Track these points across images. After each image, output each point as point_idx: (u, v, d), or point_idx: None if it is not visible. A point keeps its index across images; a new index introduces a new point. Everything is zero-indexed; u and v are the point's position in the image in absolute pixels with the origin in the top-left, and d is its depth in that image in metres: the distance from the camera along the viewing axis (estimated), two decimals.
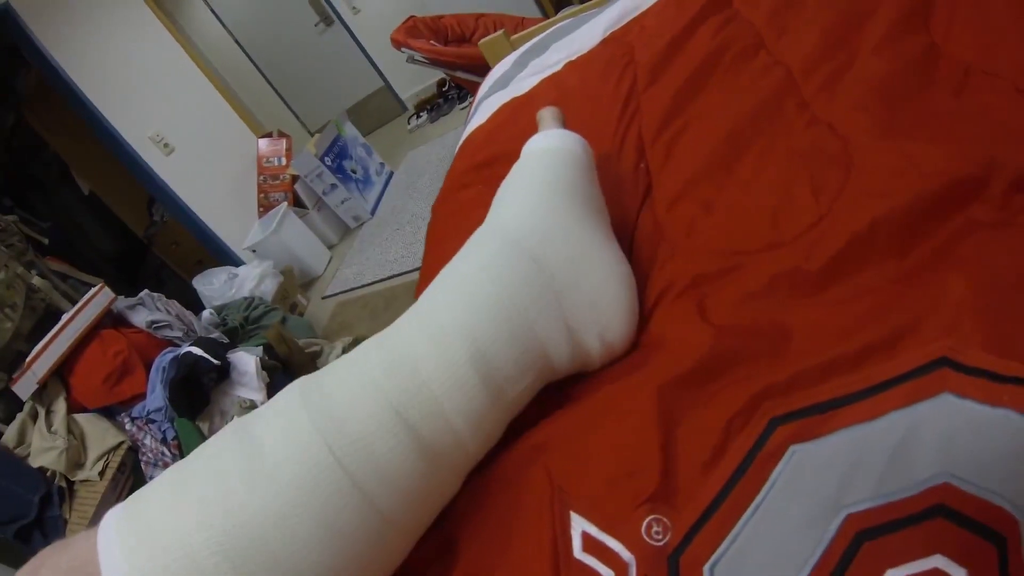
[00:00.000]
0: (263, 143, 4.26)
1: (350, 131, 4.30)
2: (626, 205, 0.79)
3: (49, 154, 4.24)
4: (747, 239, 0.61)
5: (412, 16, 3.00)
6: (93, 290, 2.09)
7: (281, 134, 4.36)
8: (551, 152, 0.67)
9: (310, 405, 0.44)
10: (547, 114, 0.76)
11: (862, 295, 0.48)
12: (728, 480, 0.41)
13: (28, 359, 1.87)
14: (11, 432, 1.85)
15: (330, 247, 4.10)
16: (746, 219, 0.63)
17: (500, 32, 1.59)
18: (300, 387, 0.47)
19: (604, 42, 1.19)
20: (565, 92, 1.10)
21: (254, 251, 3.72)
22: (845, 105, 0.67)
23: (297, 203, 4.15)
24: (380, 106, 5.68)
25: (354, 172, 4.18)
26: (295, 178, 4.10)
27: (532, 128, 1.01)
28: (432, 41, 2.86)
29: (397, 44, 2.76)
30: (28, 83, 3.97)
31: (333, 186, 4.03)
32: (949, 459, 0.35)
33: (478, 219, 1.02)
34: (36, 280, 2.04)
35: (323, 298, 3.47)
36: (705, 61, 0.89)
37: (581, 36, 1.26)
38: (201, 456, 0.44)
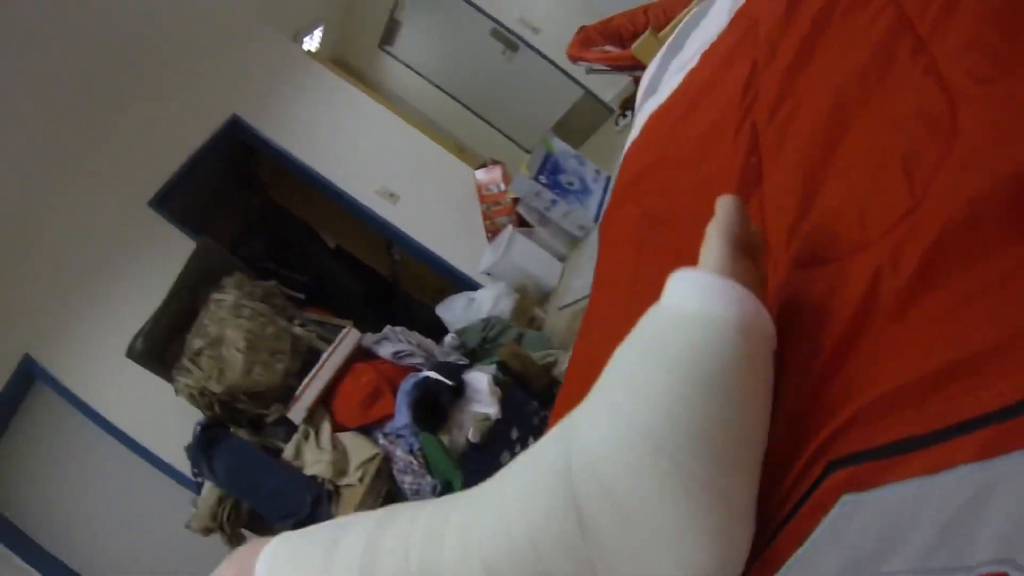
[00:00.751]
0: (480, 174, 4.53)
1: (559, 146, 4.43)
2: None
3: (297, 221, 4.92)
4: (831, 244, 0.53)
5: (583, 27, 3.06)
6: (343, 332, 2.44)
7: (495, 162, 4.61)
8: (688, 325, 0.44)
9: None
10: (713, 230, 0.51)
11: (959, 305, 0.37)
12: (779, 524, 0.40)
13: (297, 392, 2.27)
14: (290, 449, 2.24)
15: (561, 259, 4.23)
16: (835, 218, 0.55)
17: (647, 32, 1.61)
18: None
19: (732, 20, 1.07)
20: (697, 93, 1.02)
21: (489, 274, 3.95)
22: (956, 44, 0.54)
23: (522, 223, 4.34)
24: (587, 113, 5.75)
25: (570, 184, 4.28)
26: (516, 200, 4.31)
27: (670, 142, 0.97)
28: (607, 47, 2.91)
29: (573, 59, 2.85)
30: (265, 170, 4.68)
31: (553, 201, 4.13)
32: (1019, 541, 0.27)
33: (627, 243, 1.04)
34: (297, 330, 2.43)
35: (559, 308, 3.60)
36: (816, 19, 0.76)
37: (712, 19, 1.14)
38: (364, 540, 0.50)
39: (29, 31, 2.56)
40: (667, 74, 1.26)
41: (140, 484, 3.16)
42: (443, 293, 3.91)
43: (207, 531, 2.31)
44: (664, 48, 1.38)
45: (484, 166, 4.58)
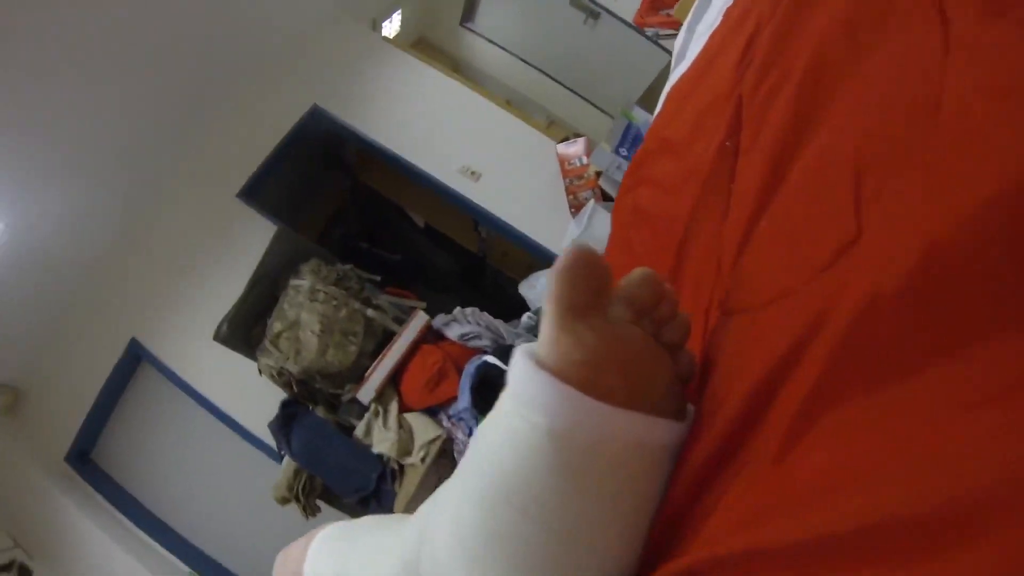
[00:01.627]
0: (561, 147, 4.48)
1: (640, 116, 4.32)
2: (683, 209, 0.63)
3: (386, 201, 5.04)
4: (749, 282, 0.41)
5: None
6: (412, 315, 2.49)
7: (577, 135, 4.55)
8: (499, 423, 0.38)
9: None
10: (547, 300, 0.37)
11: (868, 437, 0.25)
12: None
13: (367, 373, 2.35)
14: (361, 427, 2.32)
15: None
16: (765, 244, 0.42)
17: None
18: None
19: None
20: (707, 61, 0.88)
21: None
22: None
23: (605, 197, 4.27)
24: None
25: None
26: (599, 174, 4.24)
27: (671, 121, 0.87)
28: (670, 10, 2.80)
29: (640, 25, 2.76)
30: (351, 154, 4.83)
31: None
32: None
33: (617, 237, 0.94)
34: (370, 312, 2.51)
35: None
36: None
37: None
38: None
39: (134, 44, 2.80)
40: (693, 39, 1.17)
41: (231, 454, 3.43)
42: (532, 269, 3.90)
43: (285, 501, 2.44)
44: (693, 8, 1.28)
45: (567, 139, 4.53)
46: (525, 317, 2.86)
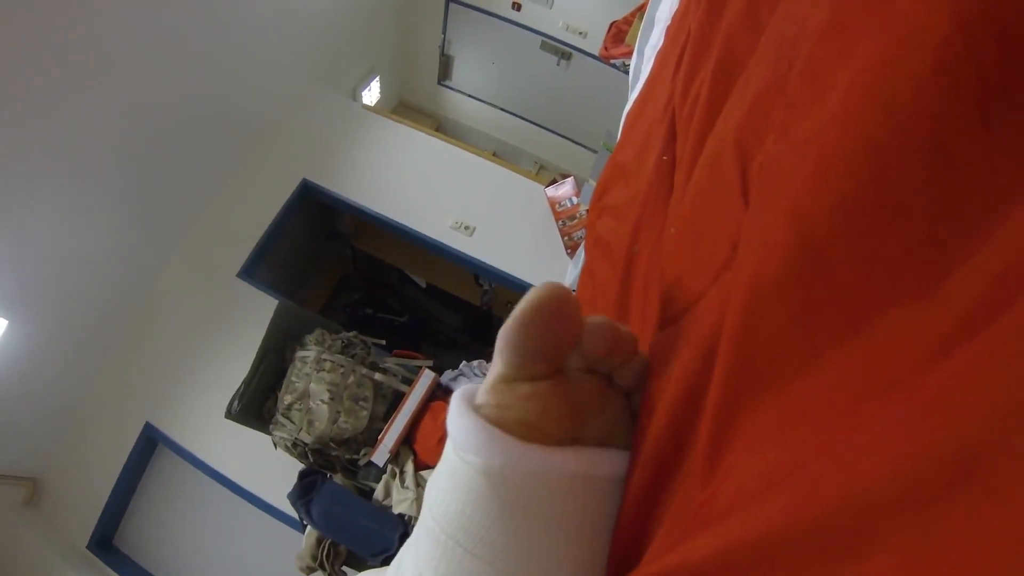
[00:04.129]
0: (550, 190, 4.51)
1: None
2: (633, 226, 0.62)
3: (386, 265, 5.09)
4: (672, 291, 0.40)
5: (612, 23, 3.00)
6: (418, 375, 2.50)
7: (563, 176, 4.57)
8: (444, 460, 0.38)
9: None
10: (501, 341, 0.35)
11: (791, 427, 0.24)
12: None
13: (380, 435, 2.35)
14: (380, 489, 2.32)
15: None
16: (682, 243, 0.41)
17: (637, 17, 1.52)
18: None
19: None
20: (650, 80, 0.90)
21: (574, 291, 3.89)
22: None
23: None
24: None
25: None
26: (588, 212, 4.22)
27: (624, 146, 0.85)
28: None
29: (605, 59, 2.81)
30: (346, 223, 4.90)
31: None
32: None
33: (586, 267, 0.93)
34: (378, 376, 2.51)
35: None
36: None
37: None
38: None
39: (128, 134, 2.92)
40: (644, 61, 1.19)
41: (252, 528, 3.39)
42: None
43: (310, 570, 2.41)
44: (640, 32, 1.31)
45: (554, 181, 4.56)
46: None
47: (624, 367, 0.37)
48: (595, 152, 5.66)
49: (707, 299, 0.34)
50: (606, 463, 0.36)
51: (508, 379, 0.35)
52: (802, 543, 0.19)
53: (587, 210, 3.77)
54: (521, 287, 4.08)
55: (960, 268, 0.19)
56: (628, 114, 1.06)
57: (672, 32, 0.96)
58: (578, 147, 6.11)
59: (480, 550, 0.33)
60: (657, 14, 1.19)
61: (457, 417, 0.35)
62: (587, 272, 0.90)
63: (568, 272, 4.02)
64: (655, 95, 0.85)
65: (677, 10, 0.97)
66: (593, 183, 3.88)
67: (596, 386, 0.37)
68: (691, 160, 0.48)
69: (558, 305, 0.33)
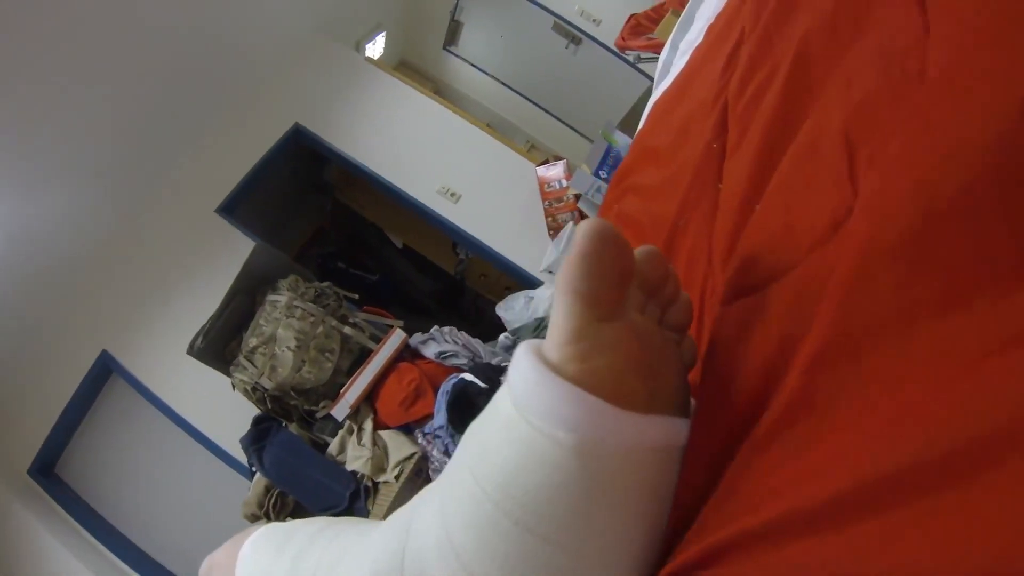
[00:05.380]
0: (541, 170, 4.50)
1: (621, 139, 4.35)
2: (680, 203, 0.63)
3: (365, 222, 5.04)
4: (753, 265, 0.40)
5: (632, 15, 2.98)
6: (389, 333, 2.47)
7: (557, 158, 4.57)
8: (514, 437, 0.32)
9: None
10: (557, 291, 0.34)
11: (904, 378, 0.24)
12: None
13: (342, 390, 2.32)
14: (335, 444, 2.29)
15: None
16: (760, 226, 0.42)
17: (669, 13, 1.53)
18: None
19: None
20: (690, 73, 0.91)
21: (551, 272, 3.89)
22: None
23: (584, 219, 4.24)
24: None
25: None
26: (578, 196, 4.25)
27: (655, 131, 0.87)
28: (652, 34, 2.83)
29: (621, 49, 2.79)
30: (332, 174, 4.84)
31: None
32: None
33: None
34: (347, 329, 2.49)
35: None
36: None
37: None
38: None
39: (122, 63, 2.80)
40: (677, 55, 1.18)
41: (200, 470, 3.32)
42: (511, 290, 3.88)
43: (254, 518, 2.38)
44: (675, 27, 1.31)
45: (547, 162, 4.55)
46: (502, 337, 2.84)
47: (677, 303, 0.38)
48: (589, 141, 5.70)
49: (800, 269, 0.34)
50: (684, 432, 0.34)
51: (586, 322, 0.31)
52: (926, 477, 0.20)
53: (591, 198, 3.79)
54: (498, 261, 4.11)
55: None
56: (658, 102, 1.05)
57: (716, 31, 0.97)
58: (573, 133, 6.09)
59: (547, 530, 0.30)
60: (698, 12, 1.20)
61: (533, 376, 0.31)
62: None
63: (548, 252, 4.04)
64: (696, 87, 0.88)
65: (722, 11, 0.98)
66: (586, 169, 3.89)
67: (658, 330, 0.36)
68: (758, 146, 0.49)
69: (614, 232, 0.31)
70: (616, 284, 0.32)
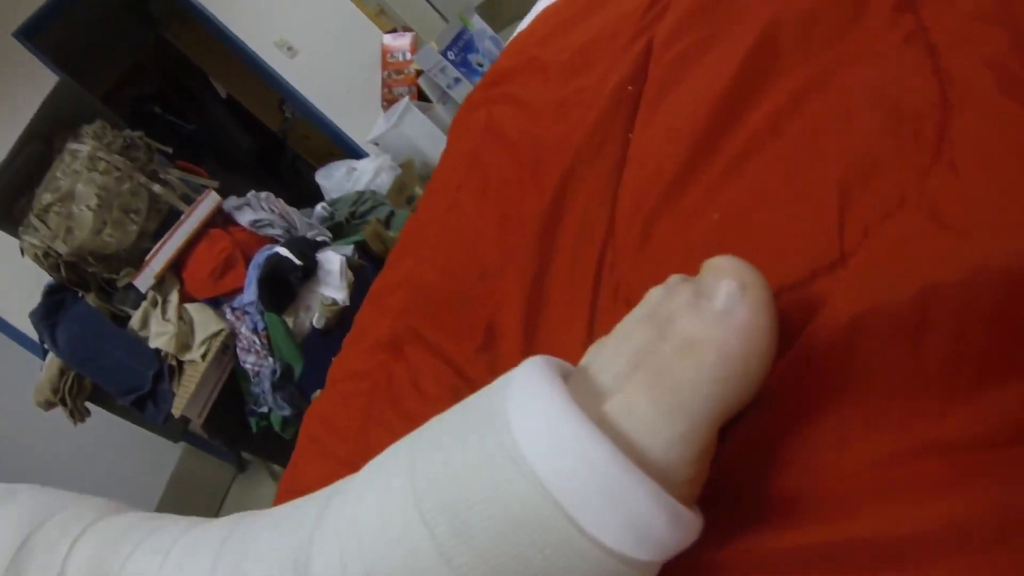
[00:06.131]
0: (388, 38, 4.30)
1: (478, 24, 4.19)
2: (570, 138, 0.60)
3: (190, 65, 4.69)
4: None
5: None
6: (202, 195, 2.31)
7: (406, 29, 4.36)
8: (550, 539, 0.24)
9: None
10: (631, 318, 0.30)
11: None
12: None
13: (147, 257, 2.15)
14: (137, 317, 2.14)
15: None
16: (729, 237, 0.39)
17: None
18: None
19: None
20: None
21: (377, 144, 3.81)
22: (965, 13, 0.35)
23: (422, 98, 4.15)
24: None
25: (480, 65, 4.07)
26: (419, 72, 4.09)
27: (548, 43, 0.82)
28: None
29: None
30: (160, 5, 4.41)
31: (457, 80, 3.96)
32: None
33: (461, 157, 0.87)
34: (156, 187, 2.28)
35: None
36: None
37: None
38: None
39: None
40: None
41: None
42: (332, 156, 3.83)
43: (49, 405, 2.24)
44: None
45: (395, 31, 4.33)
46: (319, 207, 2.78)
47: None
48: (445, 19, 5.44)
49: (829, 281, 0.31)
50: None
51: (698, 442, 0.24)
52: None
53: (433, 77, 3.65)
54: (325, 125, 4.06)
55: None
56: (551, 8, 0.96)
57: None
58: (428, 7, 5.77)
59: None
60: None
61: (611, 471, 0.23)
62: (468, 156, 0.85)
63: (378, 124, 3.91)
64: (605, 13, 0.81)
65: None
66: (435, 47, 3.74)
67: None
68: (704, 124, 0.46)
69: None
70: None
